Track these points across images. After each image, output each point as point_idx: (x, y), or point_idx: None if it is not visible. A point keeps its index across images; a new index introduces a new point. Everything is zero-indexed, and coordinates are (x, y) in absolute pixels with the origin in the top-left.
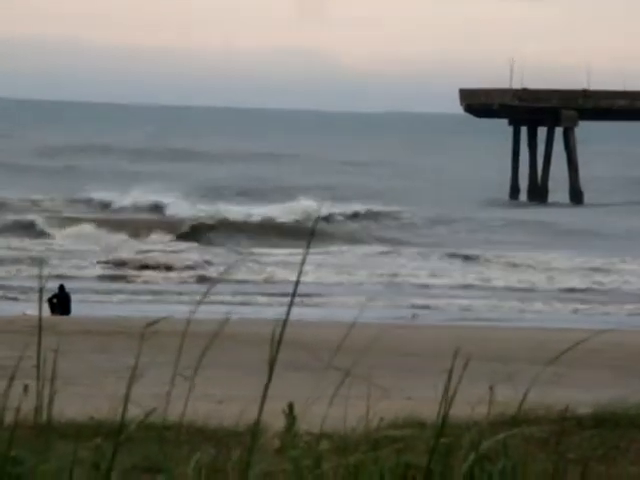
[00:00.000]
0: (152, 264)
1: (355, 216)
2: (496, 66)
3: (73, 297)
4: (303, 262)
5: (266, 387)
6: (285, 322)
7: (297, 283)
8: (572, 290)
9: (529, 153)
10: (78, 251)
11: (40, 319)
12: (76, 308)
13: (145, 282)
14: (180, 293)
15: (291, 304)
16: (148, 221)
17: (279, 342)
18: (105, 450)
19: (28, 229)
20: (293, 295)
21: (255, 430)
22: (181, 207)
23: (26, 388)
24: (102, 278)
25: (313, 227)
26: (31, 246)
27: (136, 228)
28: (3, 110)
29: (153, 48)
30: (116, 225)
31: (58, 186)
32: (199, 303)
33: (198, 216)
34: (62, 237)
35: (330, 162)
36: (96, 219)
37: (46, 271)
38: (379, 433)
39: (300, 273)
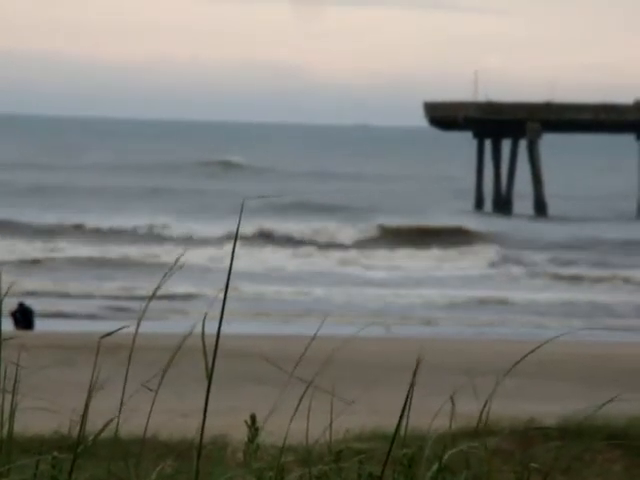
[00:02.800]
0: None
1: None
2: (461, 79)
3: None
4: (232, 263)
5: (206, 398)
6: (218, 332)
7: (227, 286)
8: None
9: (493, 165)
10: None
11: (0, 332)
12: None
13: None
14: None
15: (223, 309)
16: None
17: (214, 352)
18: (64, 463)
19: None
20: (224, 300)
21: (199, 443)
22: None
23: None
24: None
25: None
26: None
27: None
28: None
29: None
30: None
31: None
32: (154, 290)
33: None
34: None
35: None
36: None
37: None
38: (343, 445)
39: (228, 279)
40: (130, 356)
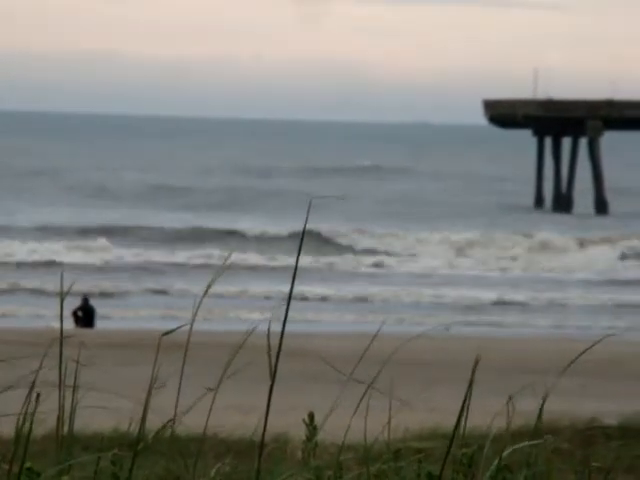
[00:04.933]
0: None
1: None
2: (520, 76)
3: None
4: (295, 274)
5: (269, 398)
6: (282, 332)
7: (290, 293)
8: None
9: (554, 163)
10: None
11: (62, 330)
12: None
13: None
14: None
15: (287, 314)
16: None
17: (278, 351)
18: (125, 460)
19: None
20: (288, 304)
21: (260, 441)
22: None
23: (38, 397)
24: None
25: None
26: None
27: None
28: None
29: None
30: None
31: None
32: (205, 294)
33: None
34: None
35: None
36: None
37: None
38: (402, 444)
39: (292, 283)
40: (185, 354)
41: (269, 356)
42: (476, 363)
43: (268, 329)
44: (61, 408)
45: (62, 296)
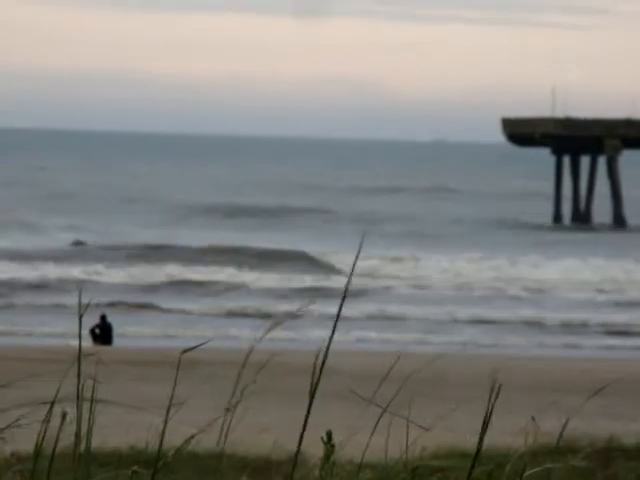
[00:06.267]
0: None
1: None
2: (539, 94)
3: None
4: (345, 293)
5: (306, 417)
6: (327, 351)
7: (339, 313)
8: None
9: (572, 182)
10: None
11: (80, 348)
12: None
13: None
14: None
15: (333, 333)
16: None
17: (320, 371)
18: (144, 478)
19: None
20: (335, 324)
21: (294, 461)
22: None
23: (64, 416)
24: None
25: None
26: None
27: None
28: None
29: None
30: None
31: None
32: (260, 340)
33: None
34: None
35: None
36: None
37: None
38: (419, 462)
39: (342, 302)
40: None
41: (312, 375)
42: (494, 383)
43: (320, 353)
44: (79, 425)
45: (81, 312)
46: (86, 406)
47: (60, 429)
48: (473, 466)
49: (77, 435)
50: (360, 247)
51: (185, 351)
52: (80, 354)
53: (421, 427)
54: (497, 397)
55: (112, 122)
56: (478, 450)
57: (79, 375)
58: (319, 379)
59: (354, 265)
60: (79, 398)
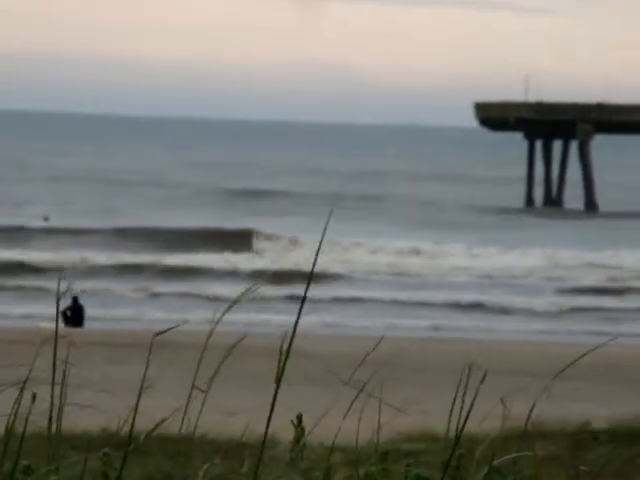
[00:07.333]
0: None
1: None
2: (513, 80)
3: None
4: (311, 274)
5: (274, 399)
6: (294, 333)
7: (305, 294)
8: None
9: (544, 166)
10: None
11: (57, 330)
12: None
13: None
14: None
15: (299, 315)
16: None
17: (287, 353)
18: (115, 460)
19: None
20: (301, 306)
21: (263, 442)
22: None
23: (34, 397)
24: None
25: None
26: None
27: None
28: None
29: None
30: None
31: None
32: (223, 314)
33: None
34: None
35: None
36: None
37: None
38: (391, 446)
39: (309, 283)
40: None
41: (279, 358)
42: (469, 366)
43: (286, 334)
44: (52, 407)
45: (58, 296)
46: (57, 388)
47: (29, 411)
48: (453, 452)
49: (51, 417)
50: (325, 227)
51: (158, 334)
52: (57, 337)
53: (396, 409)
54: (482, 381)
55: (89, 104)
56: (457, 438)
57: (55, 355)
58: (285, 362)
59: (319, 246)
60: (54, 380)
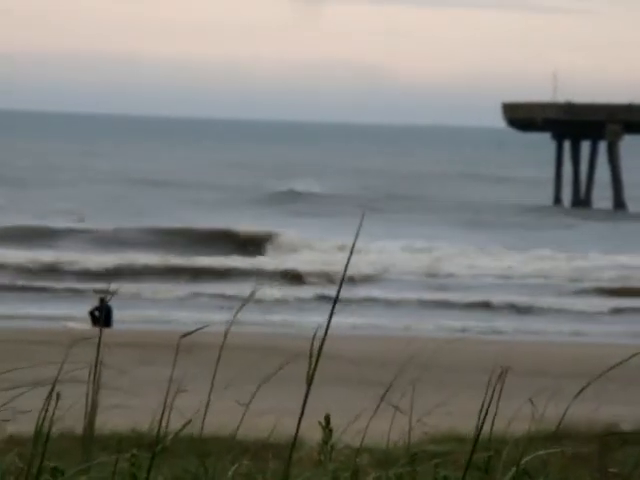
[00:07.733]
0: None
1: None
2: (540, 79)
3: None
4: (343, 277)
5: (305, 400)
6: (325, 334)
7: (337, 295)
8: None
9: (572, 167)
10: None
11: (101, 331)
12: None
13: None
14: None
15: (331, 315)
16: None
17: (318, 354)
18: (143, 461)
19: None
20: (333, 306)
21: (293, 443)
22: None
23: (58, 396)
24: None
25: None
26: None
27: None
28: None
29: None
30: None
31: None
32: (235, 315)
33: None
34: None
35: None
36: None
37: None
38: (419, 447)
39: (340, 286)
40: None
41: (310, 360)
42: (505, 371)
43: (313, 335)
44: (87, 408)
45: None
46: (89, 388)
47: (54, 411)
48: (473, 453)
49: (86, 418)
50: (359, 229)
51: (185, 335)
52: (100, 339)
53: (422, 410)
54: (503, 382)
55: (99, 104)
56: (477, 436)
57: (97, 360)
58: (317, 363)
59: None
60: (89, 381)
